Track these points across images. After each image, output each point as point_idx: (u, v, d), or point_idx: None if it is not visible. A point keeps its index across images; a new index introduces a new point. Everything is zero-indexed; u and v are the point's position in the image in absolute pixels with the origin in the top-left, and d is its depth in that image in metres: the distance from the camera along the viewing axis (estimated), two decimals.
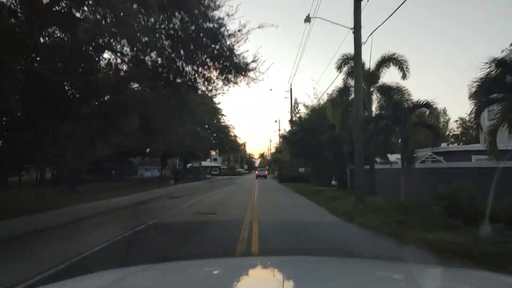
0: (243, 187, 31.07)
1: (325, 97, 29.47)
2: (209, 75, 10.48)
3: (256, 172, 62.84)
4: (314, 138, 22.47)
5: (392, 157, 21.81)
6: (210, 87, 10.98)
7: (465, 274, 2.32)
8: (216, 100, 43.18)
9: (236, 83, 10.71)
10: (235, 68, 10.18)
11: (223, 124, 50.93)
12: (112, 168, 45.26)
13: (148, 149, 39.06)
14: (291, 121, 32.38)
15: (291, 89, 45.50)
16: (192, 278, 2.10)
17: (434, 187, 11.11)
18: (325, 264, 2.46)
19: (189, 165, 56.91)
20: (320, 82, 71.43)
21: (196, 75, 10.51)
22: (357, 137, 13.28)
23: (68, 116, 15.69)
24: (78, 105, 14.69)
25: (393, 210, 11.20)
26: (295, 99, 44.57)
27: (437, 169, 12.61)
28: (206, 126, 47.33)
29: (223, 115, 50.29)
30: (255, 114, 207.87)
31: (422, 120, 12.88)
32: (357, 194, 13.26)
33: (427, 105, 12.39)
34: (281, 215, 11.71)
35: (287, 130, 32.58)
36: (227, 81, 10.66)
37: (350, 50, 16.14)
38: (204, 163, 71.46)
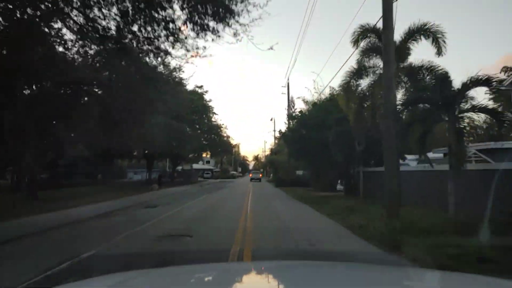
0: (236, 192, 27.47)
1: (327, 91, 26.09)
2: (174, 22, 6.70)
3: (250, 175, 60.85)
4: (319, 134, 18.87)
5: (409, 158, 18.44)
6: (178, 45, 7.26)
7: (465, 278, 2.18)
8: (199, 85, 39.87)
9: (216, 33, 6.98)
10: (212, 6, 6.41)
11: (214, 123, 47.11)
12: (95, 171, 41.76)
13: (134, 151, 35.31)
14: (289, 116, 28.76)
15: (288, 83, 41.79)
16: (193, 282, 2.08)
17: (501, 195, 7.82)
18: (326, 269, 2.33)
19: (179, 167, 53.21)
20: (321, 75, 67.43)
21: (155, 24, 6.74)
22: (388, 128, 9.67)
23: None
24: (13, 88, 10.97)
25: (449, 231, 7.70)
26: (291, 97, 41.16)
27: (502, 171, 9.06)
28: (197, 126, 43.70)
29: (214, 113, 46.56)
30: (249, 111, 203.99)
31: (477, 104, 9.25)
32: (389, 206, 9.67)
33: (488, 82, 8.87)
34: (286, 240, 8.04)
35: (285, 128, 28.98)
36: (202, 30, 6.90)
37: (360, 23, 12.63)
38: (196, 166, 68.10)
